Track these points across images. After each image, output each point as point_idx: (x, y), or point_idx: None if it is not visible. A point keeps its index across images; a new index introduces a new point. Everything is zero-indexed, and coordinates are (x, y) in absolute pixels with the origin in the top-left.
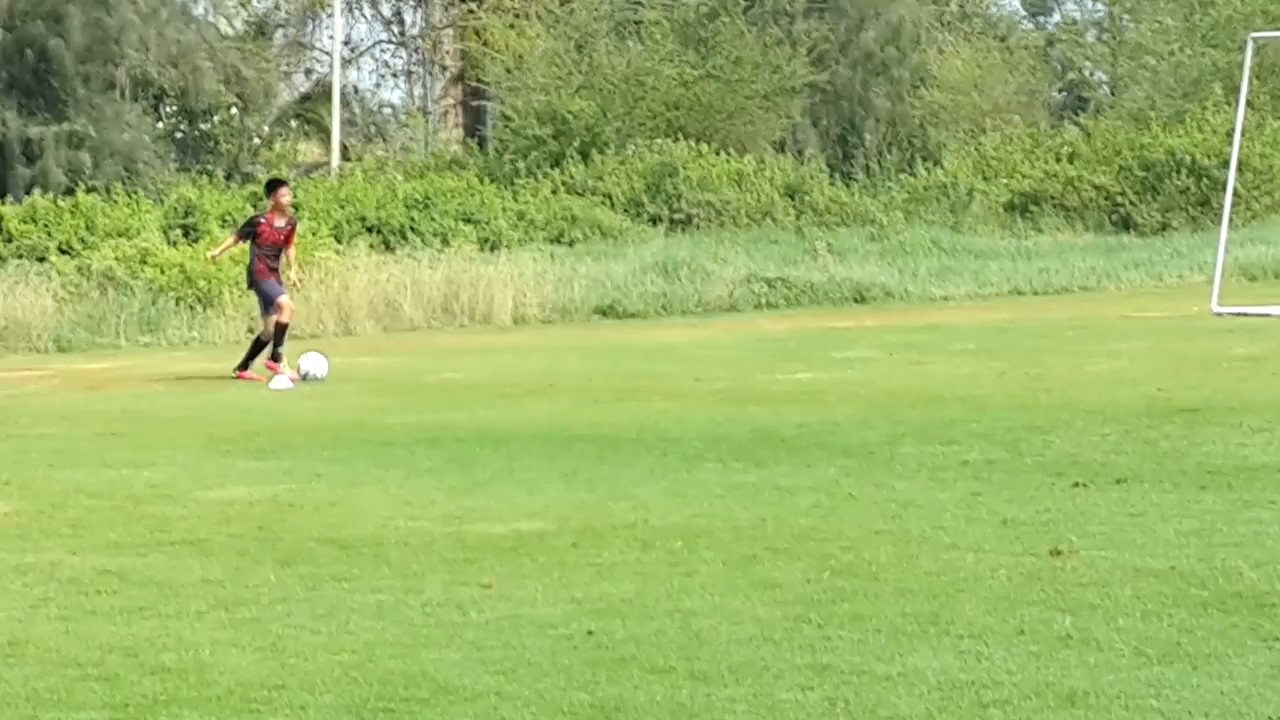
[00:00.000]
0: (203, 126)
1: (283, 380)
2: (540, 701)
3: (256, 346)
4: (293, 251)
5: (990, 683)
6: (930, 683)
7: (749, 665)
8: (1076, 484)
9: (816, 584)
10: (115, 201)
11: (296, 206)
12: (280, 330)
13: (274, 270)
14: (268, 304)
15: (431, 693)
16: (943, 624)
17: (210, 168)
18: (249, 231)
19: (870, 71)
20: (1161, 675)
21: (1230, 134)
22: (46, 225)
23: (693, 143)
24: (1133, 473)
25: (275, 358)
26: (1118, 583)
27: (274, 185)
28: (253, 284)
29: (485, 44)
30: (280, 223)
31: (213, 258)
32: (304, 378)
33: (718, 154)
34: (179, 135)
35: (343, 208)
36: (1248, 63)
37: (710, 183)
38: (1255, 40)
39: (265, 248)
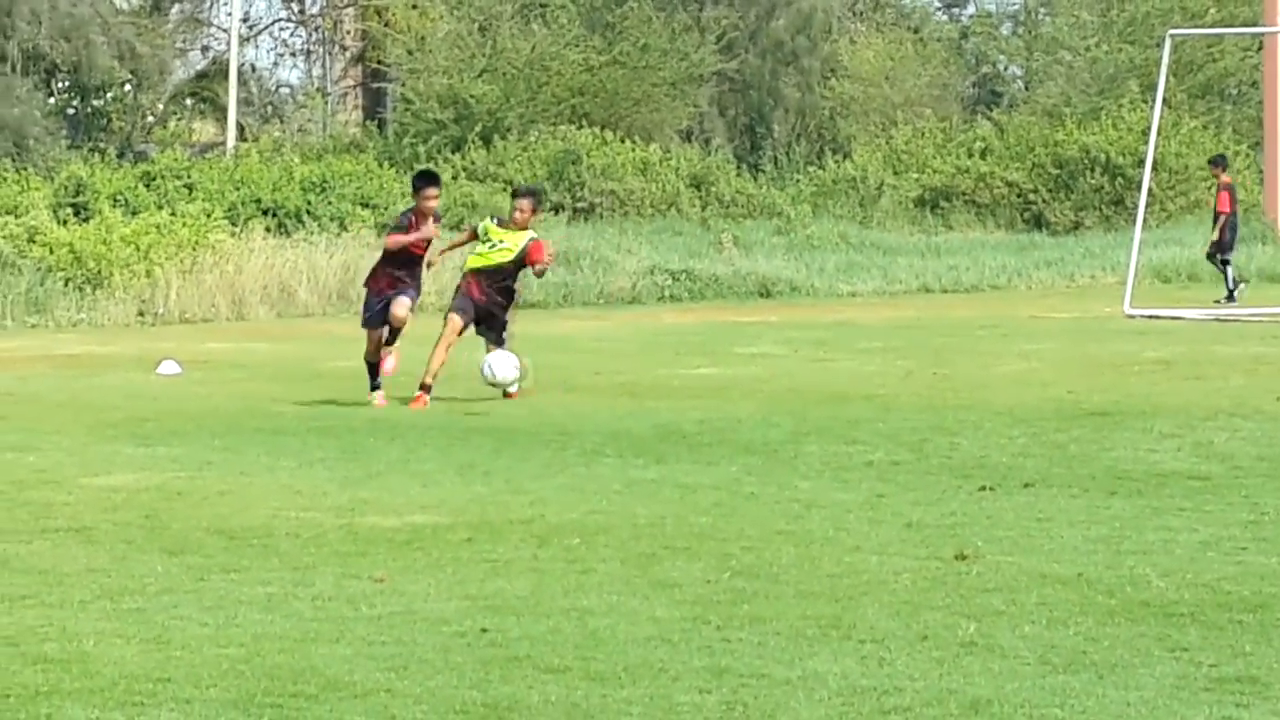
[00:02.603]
0: (95, 103)
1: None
2: (432, 700)
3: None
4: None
5: (892, 689)
6: (831, 688)
7: (646, 666)
8: (983, 487)
9: (716, 584)
10: (4, 178)
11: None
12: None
13: (398, 280)
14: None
15: (320, 688)
16: (844, 628)
17: (102, 145)
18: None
19: (780, 61)
20: (1066, 684)
21: (1146, 132)
22: None
23: (597, 130)
24: (1041, 477)
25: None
26: (1023, 589)
27: (424, 180)
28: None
29: (387, 24)
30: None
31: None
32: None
33: (623, 142)
34: (71, 111)
35: (238, 189)
36: (1165, 60)
37: (614, 171)
38: (1173, 37)
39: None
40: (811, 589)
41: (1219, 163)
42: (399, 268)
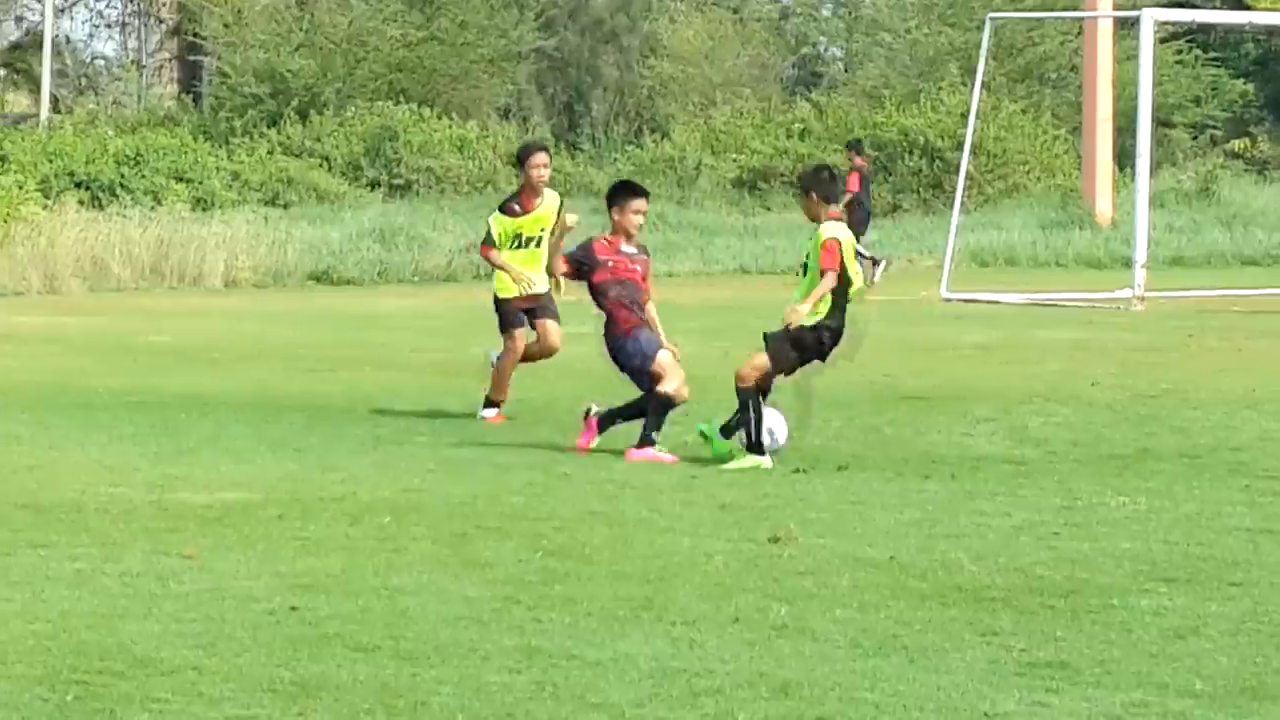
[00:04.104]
0: None
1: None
2: (240, 677)
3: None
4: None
5: (703, 671)
6: (641, 669)
7: (456, 646)
8: (797, 470)
9: (528, 564)
10: None
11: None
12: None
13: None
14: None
15: (128, 665)
16: (656, 609)
17: None
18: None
19: (599, 39)
20: (877, 667)
21: (965, 115)
22: None
23: (415, 106)
24: (855, 460)
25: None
26: (836, 572)
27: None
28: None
29: None
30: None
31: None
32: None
33: (440, 119)
34: None
35: (51, 161)
36: (985, 43)
37: (432, 148)
38: (994, 20)
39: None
40: (624, 570)
41: (854, 146)
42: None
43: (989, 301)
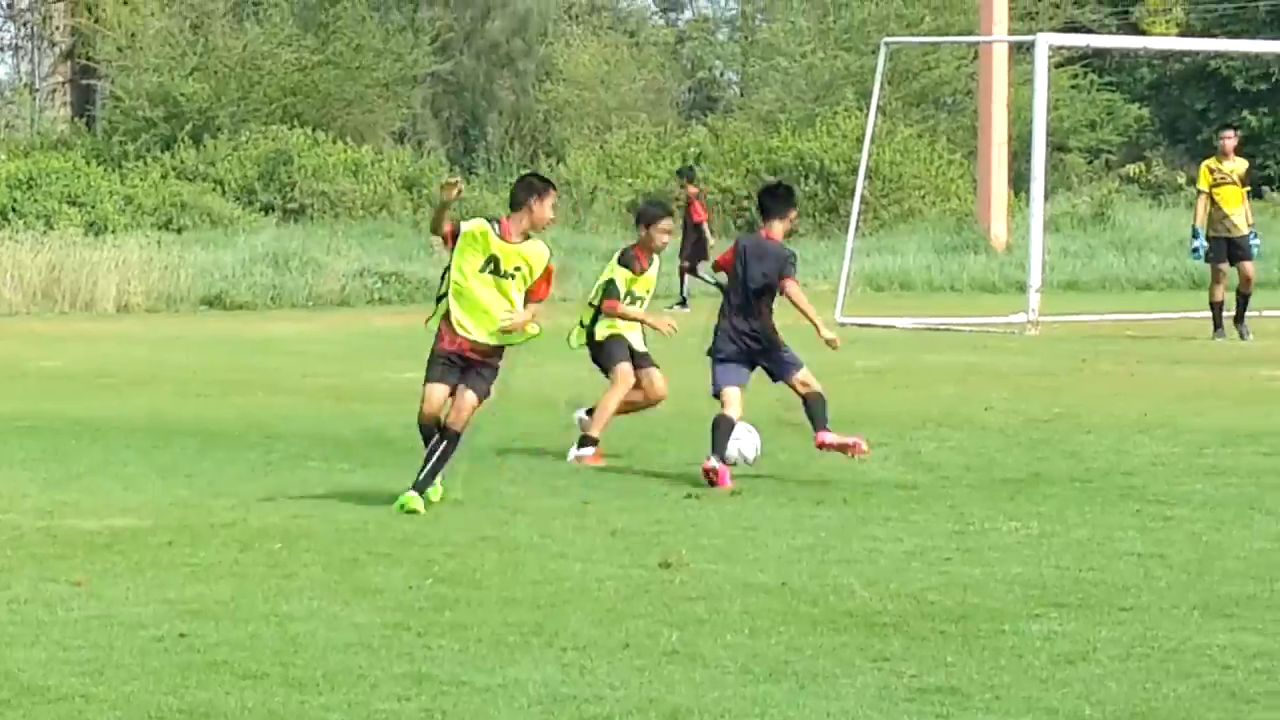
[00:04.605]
0: None
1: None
2: (127, 705)
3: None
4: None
5: (593, 697)
6: (531, 695)
7: (346, 673)
8: (689, 495)
9: (418, 591)
10: None
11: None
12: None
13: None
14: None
15: (14, 693)
16: (547, 635)
17: None
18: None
19: (495, 63)
20: (768, 693)
21: (861, 140)
22: None
23: (309, 130)
24: (748, 485)
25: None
26: (727, 597)
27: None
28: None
29: (97, 20)
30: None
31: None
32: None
33: (335, 143)
34: None
35: None
36: (880, 67)
37: (326, 172)
38: (888, 45)
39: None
40: (514, 596)
41: (686, 175)
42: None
43: (883, 326)
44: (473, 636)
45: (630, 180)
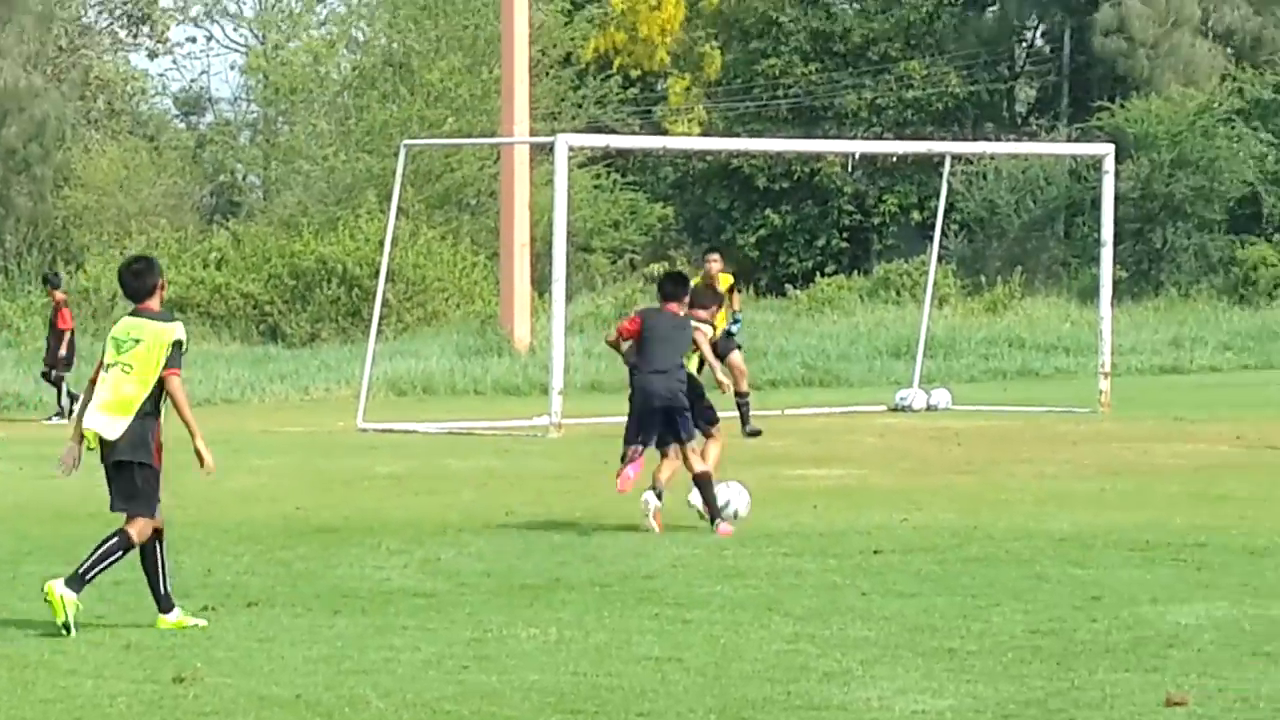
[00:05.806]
0: None
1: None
2: None
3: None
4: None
5: None
6: None
7: None
8: (206, 608)
9: None
10: None
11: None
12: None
13: None
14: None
15: None
16: None
17: None
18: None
19: (12, 169)
20: None
21: (383, 242)
22: None
23: None
24: (265, 595)
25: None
26: (241, 711)
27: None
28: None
29: None
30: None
31: None
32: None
33: None
34: None
35: None
36: (400, 170)
37: None
38: (408, 147)
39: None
40: (24, 716)
41: (51, 281)
42: None
43: (405, 431)
44: None
45: None
